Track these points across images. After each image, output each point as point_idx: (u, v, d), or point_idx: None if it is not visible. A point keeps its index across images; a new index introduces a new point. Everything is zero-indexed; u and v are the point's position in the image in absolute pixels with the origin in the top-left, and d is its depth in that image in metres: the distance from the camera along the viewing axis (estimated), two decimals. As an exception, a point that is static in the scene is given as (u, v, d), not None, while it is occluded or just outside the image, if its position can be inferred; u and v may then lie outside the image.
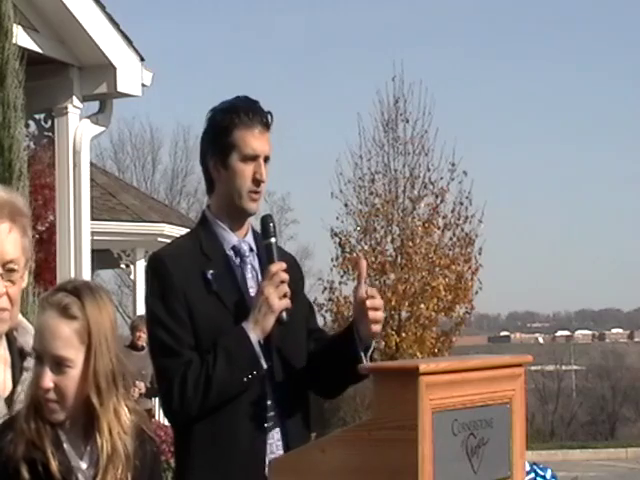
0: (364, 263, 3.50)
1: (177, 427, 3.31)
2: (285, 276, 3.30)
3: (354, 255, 19.74)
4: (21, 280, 2.90)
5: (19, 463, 2.56)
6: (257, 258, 3.43)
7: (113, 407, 2.66)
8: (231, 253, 3.39)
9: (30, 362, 2.85)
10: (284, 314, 3.29)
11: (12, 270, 2.85)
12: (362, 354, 3.32)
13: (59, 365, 2.62)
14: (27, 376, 2.86)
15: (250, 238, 3.45)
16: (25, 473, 2.55)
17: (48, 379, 2.61)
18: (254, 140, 3.36)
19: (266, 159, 3.40)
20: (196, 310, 3.24)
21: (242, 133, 3.35)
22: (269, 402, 3.29)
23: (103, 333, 2.66)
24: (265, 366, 3.25)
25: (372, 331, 3.30)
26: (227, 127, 3.35)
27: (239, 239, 3.41)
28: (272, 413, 3.29)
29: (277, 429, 3.29)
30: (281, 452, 3.25)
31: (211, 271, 3.29)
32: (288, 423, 3.32)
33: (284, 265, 3.33)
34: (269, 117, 3.42)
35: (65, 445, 2.64)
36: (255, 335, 3.24)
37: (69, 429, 2.66)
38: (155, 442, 2.82)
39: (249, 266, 3.40)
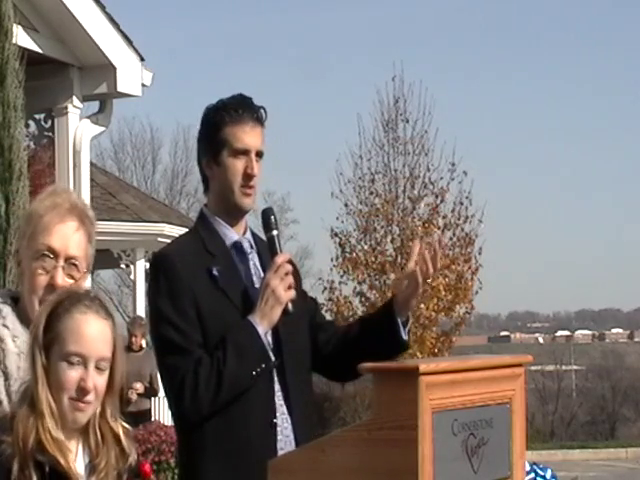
0: (417, 245, 3.58)
1: (187, 426, 3.28)
2: (289, 267, 3.31)
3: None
4: (79, 282, 3.01)
5: (28, 466, 2.52)
6: (257, 255, 3.43)
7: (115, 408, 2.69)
8: (233, 250, 3.39)
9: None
10: (290, 305, 3.29)
11: (73, 265, 2.99)
12: (402, 327, 3.42)
13: (99, 366, 2.64)
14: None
15: (249, 235, 3.46)
16: (34, 478, 2.52)
17: (92, 381, 2.62)
18: (244, 135, 3.36)
19: (259, 154, 3.39)
20: (204, 307, 3.24)
21: (232, 129, 3.35)
22: (279, 398, 3.30)
23: (118, 333, 2.73)
24: (273, 359, 3.26)
25: (412, 293, 3.44)
26: (217, 124, 3.36)
27: (239, 236, 3.42)
28: (282, 409, 3.30)
29: (287, 425, 3.30)
30: (292, 447, 3.25)
31: (217, 267, 3.29)
32: (298, 419, 3.33)
33: (288, 256, 3.35)
34: (261, 112, 3.42)
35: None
36: (263, 328, 3.24)
37: (68, 431, 2.64)
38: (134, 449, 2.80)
39: (251, 262, 3.41)
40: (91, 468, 2.64)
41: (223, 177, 3.36)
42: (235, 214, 3.41)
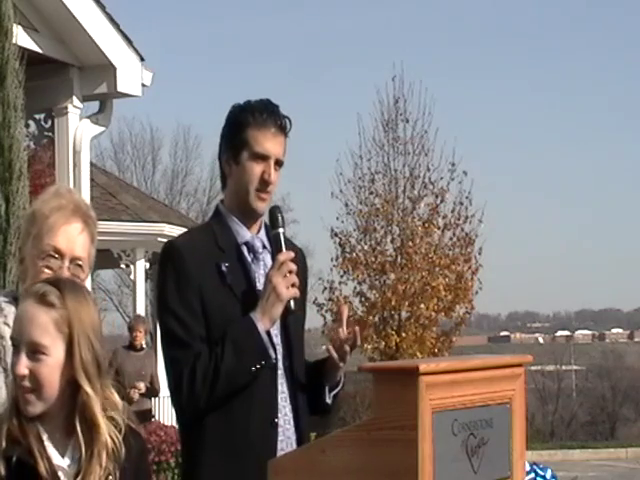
0: (345, 309, 3.49)
1: (186, 420, 3.30)
2: (293, 266, 3.30)
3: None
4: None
5: None
6: (270, 255, 3.42)
7: (104, 396, 2.61)
8: (244, 248, 3.39)
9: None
10: (292, 303, 3.29)
11: (78, 266, 3.05)
12: (327, 391, 3.40)
13: (34, 352, 2.56)
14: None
15: (263, 235, 3.45)
16: (2, 470, 2.50)
17: (23, 366, 2.56)
18: (265, 140, 3.36)
19: (278, 162, 3.39)
20: (210, 302, 3.24)
21: (254, 132, 3.36)
22: (282, 399, 3.30)
23: (84, 325, 2.60)
24: (273, 356, 3.25)
25: (337, 363, 3.33)
26: (241, 124, 3.37)
27: (252, 235, 3.42)
28: (285, 410, 3.30)
29: (289, 426, 3.30)
30: (292, 448, 3.25)
31: (226, 264, 3.30)
32: (301, 420, 3.33)
33: (292, 254, 3.34)
34: (285, 121, 3.42)
35: (46, 442, 2.59)
36: (263, 325, 3.23)
37: (48, 424, 2.60)
38: (141, 436, 2.75)
39: (262, 262, 3.40)
40: (77, 464, 2.59)
41: (240, 178, 3.37)
42: (249, 215, 3.41)
